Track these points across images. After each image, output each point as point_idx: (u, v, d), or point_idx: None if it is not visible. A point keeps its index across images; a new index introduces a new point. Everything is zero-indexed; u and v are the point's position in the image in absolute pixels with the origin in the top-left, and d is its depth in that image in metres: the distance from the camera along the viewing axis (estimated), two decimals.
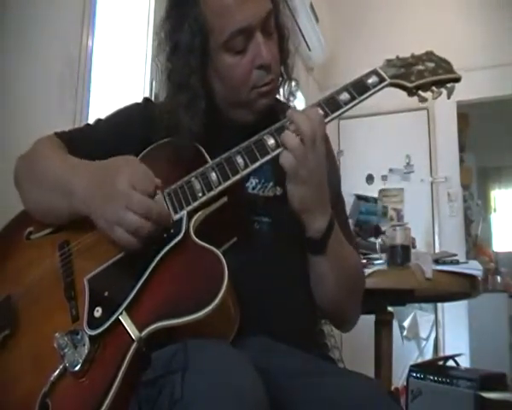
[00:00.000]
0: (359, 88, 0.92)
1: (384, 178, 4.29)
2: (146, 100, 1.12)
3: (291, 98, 1.07)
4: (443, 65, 0.97)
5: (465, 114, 4.53)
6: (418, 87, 0.95)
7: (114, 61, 2.26)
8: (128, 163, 0.86)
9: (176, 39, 0.96)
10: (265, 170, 0.96)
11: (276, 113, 0.98)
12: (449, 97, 0.96)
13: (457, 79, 0.96)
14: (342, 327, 1.11)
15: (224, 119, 1.02)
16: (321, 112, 0.89)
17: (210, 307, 0.72)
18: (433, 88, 0.96)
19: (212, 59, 0.95)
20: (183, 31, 0.94)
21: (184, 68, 0.94)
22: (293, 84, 1.05)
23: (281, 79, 1.04)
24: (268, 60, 0.94)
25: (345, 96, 0.91)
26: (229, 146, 0.89)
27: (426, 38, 3.86)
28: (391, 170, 4.32)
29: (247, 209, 0.96)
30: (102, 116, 1.10)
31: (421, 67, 0.96)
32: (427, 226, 4.18)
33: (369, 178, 4.25)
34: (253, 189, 0.99)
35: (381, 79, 0.93)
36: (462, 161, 4.55)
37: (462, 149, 4.55)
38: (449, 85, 0.95)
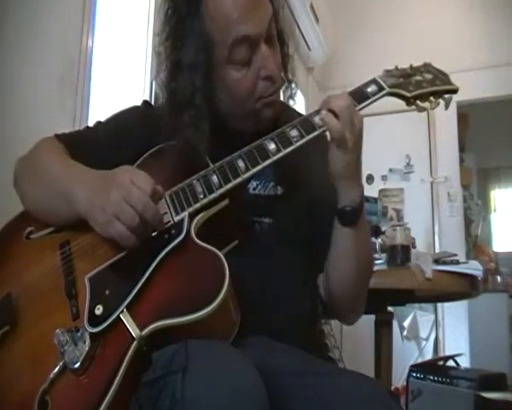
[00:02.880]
0: (359, 96, 0.93)
1: (384, 178, 4.27)
2: (145, 103, 1.11)
3: (291, 102, 1.07)
4: (440, 76, 0.98)
5: (465, 114, 4.52)
6: (416, 97, 0.96)
7: (114, 61, 2.26)
8: (128, 168, 0.88)
9: (178, 57, 0.94)
10: (267, 171, 0.96)
11: (279, 121, 0.98)
12: (446, 108, 0.98)
13: (455, 91, 0.97)
14: (349, 316, 1.10)
15: (229, 130, 1.01)
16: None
17: (211, 307, 0.72)
18: (431, 98, 0.97)
19: (218, 73, 0.94)
20: (186, 47, 0.93)
21: (188, 87, 0.93)
22: (293, 86, 1.05)
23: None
24: (274, 72, 0.94)
25: None
26: (231, 152, 0.90)
27: (426, 38, 3.88)
28: (391, 170, 4.31)
29: (247, 210, 0.97)
30: (102, 117, 1.10)
31: (419, 78, 0.97)
32: (427, 226, 4.17)
33: (369, 178, 4.23)
34: (254, 189, 0.99)
35: (380, 88, 0.94)
36: (462, 161, 4.55)
37: (462, 149, 4.54)
38: (446, 96, 0.97)
